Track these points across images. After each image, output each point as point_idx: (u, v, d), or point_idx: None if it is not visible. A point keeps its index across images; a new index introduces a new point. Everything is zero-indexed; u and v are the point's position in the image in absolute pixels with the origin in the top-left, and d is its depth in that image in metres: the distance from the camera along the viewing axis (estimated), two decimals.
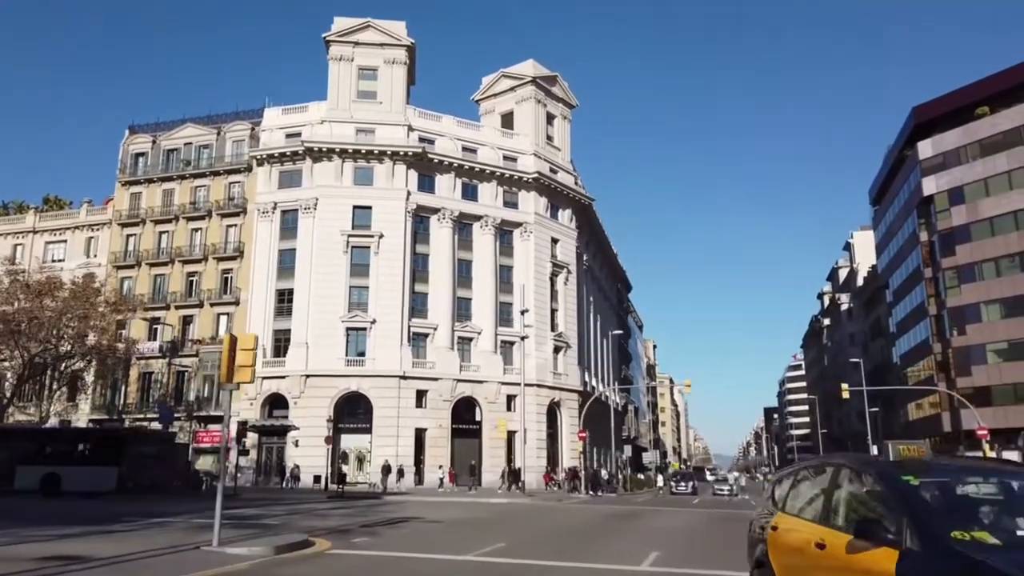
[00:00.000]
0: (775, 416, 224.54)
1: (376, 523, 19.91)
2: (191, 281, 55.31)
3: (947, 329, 53.39)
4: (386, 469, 44.71)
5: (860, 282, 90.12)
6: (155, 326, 54.28)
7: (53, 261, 57.84)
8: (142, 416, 51.95)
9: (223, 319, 53.62)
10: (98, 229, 59.28)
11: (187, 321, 54.47)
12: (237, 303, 53.22)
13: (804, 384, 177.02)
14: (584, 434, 52.93)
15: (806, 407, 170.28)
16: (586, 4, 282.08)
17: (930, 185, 55.61)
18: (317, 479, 45.21)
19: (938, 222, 54.90)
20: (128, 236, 57.90)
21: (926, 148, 56.65)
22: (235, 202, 55.38)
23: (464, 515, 24.40)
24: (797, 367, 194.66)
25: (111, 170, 59.98)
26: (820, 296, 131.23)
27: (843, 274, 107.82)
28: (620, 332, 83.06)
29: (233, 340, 12.27)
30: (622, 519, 24.35)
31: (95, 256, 58.37)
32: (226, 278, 54.56)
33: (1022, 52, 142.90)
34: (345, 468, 49.79)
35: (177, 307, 54.26)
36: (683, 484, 56.80)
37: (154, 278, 56.02)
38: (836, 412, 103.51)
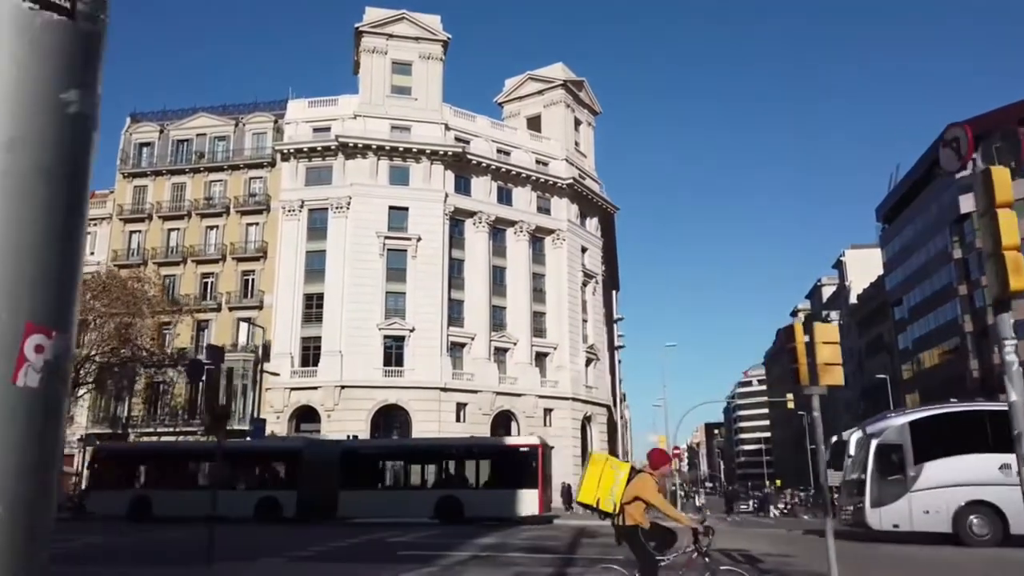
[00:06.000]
0: (716, 432, 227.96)
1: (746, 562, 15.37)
2: (206, 283, 50.93)
3: (987, 347, 53.38)
4: None
5: (854, 299, 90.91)
6: (164, 331, 49.58)
7: None
8: (151, 431, 47.37)
9: (243, 324, 49.46)
10: (96, 224, 54.21)
11: (201, 326, 50.01)
12: (260, 307, 49.18)
13: (763, 399, 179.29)
14: (679, 451, 51.18)
15: (766, 422, 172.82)
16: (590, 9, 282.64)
17: (968, 203, 55.75)
18: None
19: (976, 240, 55.03)
20: (131, 232, 53.16)
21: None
22: (256, 199, 51.35)
23: (766, 546, 19.05)
24: (747, 384, 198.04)
25: (108, 160, 54.87)
26: (794, 313, 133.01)
27: (827, 291, 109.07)
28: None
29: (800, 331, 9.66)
30: None
31: (92, 253, 53.20)
32: (247, 280, 50.40)
33: None
34: None
35: (191, 311, 49.68)
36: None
37: (163, 279, 51.31)
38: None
